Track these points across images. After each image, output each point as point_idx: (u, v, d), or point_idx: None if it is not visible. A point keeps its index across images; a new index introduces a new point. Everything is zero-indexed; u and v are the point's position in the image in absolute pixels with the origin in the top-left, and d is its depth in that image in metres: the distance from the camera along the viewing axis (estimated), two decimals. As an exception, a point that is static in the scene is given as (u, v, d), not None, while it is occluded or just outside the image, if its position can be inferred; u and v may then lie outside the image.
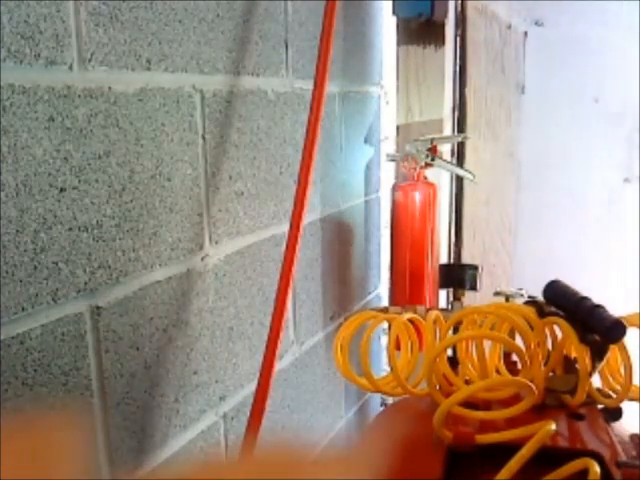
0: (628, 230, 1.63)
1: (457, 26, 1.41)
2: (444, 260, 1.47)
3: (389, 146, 1.44)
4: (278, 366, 0.94)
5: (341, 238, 1.19)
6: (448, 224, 1.50)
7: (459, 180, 1.48)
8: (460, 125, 1.46)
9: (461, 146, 1.46)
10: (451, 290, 1.40)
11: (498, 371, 0.77)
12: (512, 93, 1.52)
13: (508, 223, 1.60)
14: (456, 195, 1.50)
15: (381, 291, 1.42)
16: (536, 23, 1.50)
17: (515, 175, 1.59)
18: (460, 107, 1.45)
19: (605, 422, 0.72)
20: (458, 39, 1.42)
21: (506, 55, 1.50)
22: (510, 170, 1.58)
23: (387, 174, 1.39)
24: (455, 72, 1.43)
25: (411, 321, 0.82)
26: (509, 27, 1.49)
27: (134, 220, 0.68)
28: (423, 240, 1.18)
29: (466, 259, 1.52)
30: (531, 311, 0.78)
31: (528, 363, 0.70)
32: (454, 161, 1.45)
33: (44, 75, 0.56)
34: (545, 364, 0.73)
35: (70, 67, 0.59)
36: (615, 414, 0.73)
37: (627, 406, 0.75)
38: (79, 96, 0.60)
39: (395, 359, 0.78)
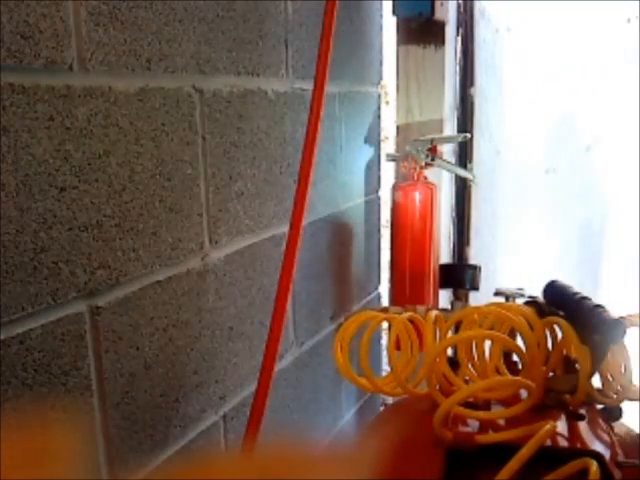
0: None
1: (460, 26, 1.41)
2: (448, 260, 1.47)
3: (389, 146, 1.44)
4: (278, 366, 0.94)
5: (341, 238, 1.19)
6: (451, 224, 1.50)
7: (463, 180, 1.48)
8: (465, 124, 1.46)
9: (467, 145, 1.46)
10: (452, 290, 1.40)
11: (498, 371, 0.77)
12: (499, 92, 1.53)
13: (497, 220, 1.62)
14: (459, 195, 1.50)
15: (381, 291, 1.42)
16: (507, 29, 1.54)
17: (502, 172, 1.61)
18: (464, 106, 1.45)
19: (605, 422, 0.72)
20: (459, 39, 1.42)
21: (496, 56, 1.51)
22: (498, 168, 1.59)
23: (387, 174, 1.39)
24: (456, 72, 1.43)
25: (411, 321, 0.82)
26: (497, 30, 1.51)
27: (134, 220, 0.68)
28: (423, 240, 1.18)
29: (470, 258, 1.52)
30: (531, 311, 0.78)
31: (528, 363, 0.70)
32: (454, 160, 1.45)
33: (44, 75, 0.56)
34: (545, 364, 0.73)
35: (70, 67, 0.59)
36: (615, 414, 0.74)
37: (627, 406, 0.75)
38: (79, 96, 0.60)
39: (395, 359, 0.77)
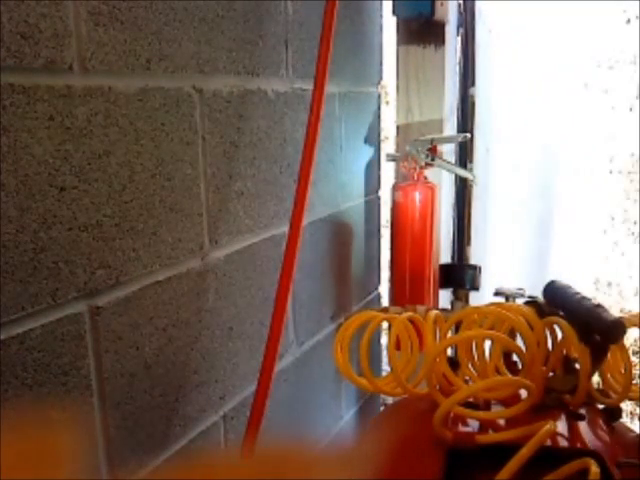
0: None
1: (460, 26, 1.41)
2: (448, 260, 1.47)
3: (389, 146, 1.44)
4: (278, 366, 0.94)
5: (341, 238, 1.19)
6: (451, 224, 1.50)
7: (463, 180, 1.48)
8: (465, 124, 1.46)
9: (467, 145, 1.46)
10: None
11: (498, 371, 0.77)
12: (491, 92, 1.54)
13: (487, 219, 1.63)
14: (459, 195, 1.50)
15: (381, 291, 1.42)
16: (493, 30, 1.55)
17: (491, 171, 1.62)
18: (464, 106, 1.45)
19: (605, 422, 0.71)
20: (460, 38, 1.42)
21: (488, 57, 1.52)
22: (488, 166, 1.60)
23: (387, 174, 1.39)
24: (456, 72, 1.43)
25: (411, 321, 0.82)
26: (490, 31, 1.52)
27: (134, 220, 0.68)
28: (423, 240, 1.18)
29: (470, 258, 1.53)
30: (531, 311, 0.78)
31: (528, 363, 0.70)
32: (454, 160, 1.45)
33: (44, 75, 0.56)
34: (545, 364, 0.73)
35: (70, 67, 0.59)
36: (615, 414, 0.73)
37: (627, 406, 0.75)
38: (79, 96, 0.60)
39: (395, 359, 0.77)
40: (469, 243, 1.51)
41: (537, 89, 1.72)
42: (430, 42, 1.34)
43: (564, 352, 0.75)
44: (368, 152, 1.28)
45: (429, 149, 1.18)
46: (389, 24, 1.34)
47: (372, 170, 1.30)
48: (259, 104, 0.88)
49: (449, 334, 0.81)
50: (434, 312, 0.81)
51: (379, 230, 1.38)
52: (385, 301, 1.41)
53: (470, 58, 1.44)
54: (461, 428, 0.66)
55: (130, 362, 0.68)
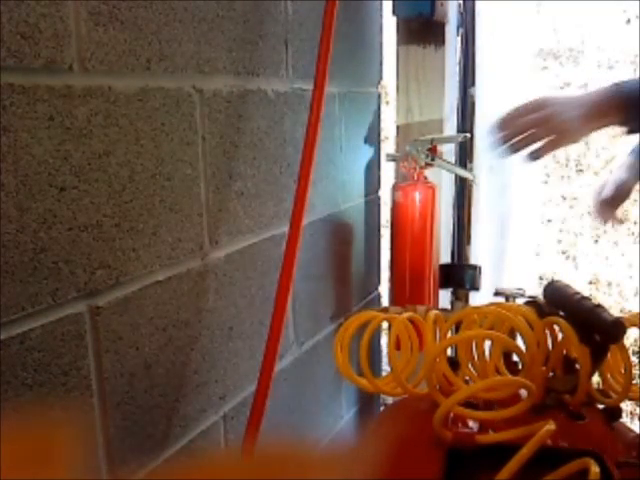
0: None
1: (460, 26, 1.41)
2: (448, 260, 1.47)
3: (389, 146, 1.44)
4: (278, 366, 0.94)
5: (341, 238, 1.19)
6: (451, 224, 1.50)
7: (463, 180, 1.48)
8: (465, 124, 1.46)
9: (467, 145, 1.46)
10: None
11: (498, 371, 0.77)
12: (482, 93, 1.54)
13: (478, 218, 1.64)
14: (459, 195, 1.50)
15: (381, 291, 1.42)
16: (484, 30, 1.57)
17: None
18: (464, 106, 1.45)
19: (605, 422, 0.71)
20: (460, 38, 1.42)
21: (479, 56, 1.52)
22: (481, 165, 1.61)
23: (387, 174, 1.39)
24: (456, 72, 1.43)
25: (411, 321, 0.82)
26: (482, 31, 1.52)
27: (134, 220, 0.68)
28: (423, 240, 1.18)
29: (470, 258, 1.53)
30: (531, 311, 0.78)
31: (528, 363, 0.70)
32: (454, 160, 1.45)
33: (44, 75, 0.56)
34: (545, 364, 0.73)
35: (70, 67, 0.59)
36: (615, 414, 0.73)
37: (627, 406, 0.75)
38: (79, 96, 0.60)
39: (395, 359, 0.77)
40: (469, 243, 1.51)
41: (530, 88, 1.72)
42: (430, 42, 1.34)
43: (564, 352, 0.75)
44: (368, 152, 1.28)
45: (429, 149, 1.18)
46: (389, 24, 1.34)
47: (372, 170, 1.30)
48: (259, 104, 0.88)
49: (449, 334, 0.81)
50: (434, 312, 0.81)
51: (379, 230, 1.38)
52: (385, 301, 1.41)
53: (470, 58, 1.44)
54: (461, 428, 0.66)
55: (130, 362, 0.68)
